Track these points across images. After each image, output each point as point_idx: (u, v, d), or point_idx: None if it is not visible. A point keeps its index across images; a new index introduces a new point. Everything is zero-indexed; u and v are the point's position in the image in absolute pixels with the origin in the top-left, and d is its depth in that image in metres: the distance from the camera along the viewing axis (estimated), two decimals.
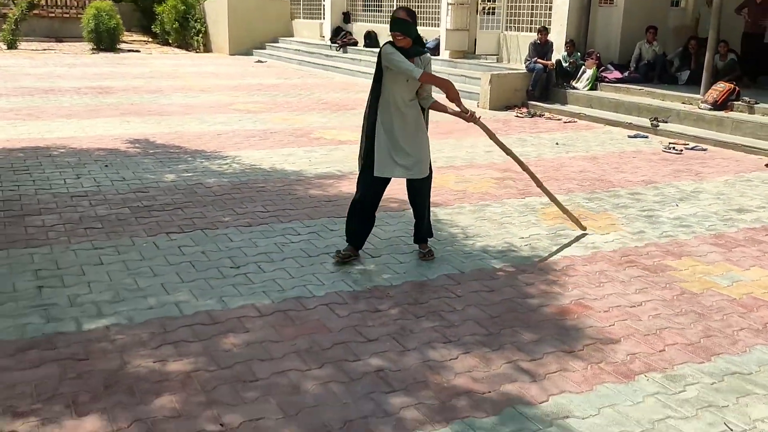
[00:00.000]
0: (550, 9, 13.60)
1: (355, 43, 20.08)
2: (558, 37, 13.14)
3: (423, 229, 4.82)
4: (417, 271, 4.61)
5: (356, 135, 7.97)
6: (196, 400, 2.97)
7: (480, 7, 15.14)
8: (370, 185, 4.59)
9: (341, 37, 20.62)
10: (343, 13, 21.36)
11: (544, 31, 12.83)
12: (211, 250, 4.85)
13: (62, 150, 7.89)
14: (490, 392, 3.13)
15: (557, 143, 9.43)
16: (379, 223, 5.22)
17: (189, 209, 5.82)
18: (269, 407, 2.94)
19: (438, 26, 16.76)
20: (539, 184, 5.32)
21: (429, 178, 4.70)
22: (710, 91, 10.44)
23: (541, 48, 12.79)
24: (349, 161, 7.79)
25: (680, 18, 14.38)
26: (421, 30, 16.88)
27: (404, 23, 4.26)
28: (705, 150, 9.18)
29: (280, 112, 11.42)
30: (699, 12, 13.70)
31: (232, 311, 3.89)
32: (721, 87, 10.38)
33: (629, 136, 10.10)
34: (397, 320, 3.85)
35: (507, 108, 12.53)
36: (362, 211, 4.67)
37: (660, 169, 8.00)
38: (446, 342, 3.61)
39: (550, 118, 11.67)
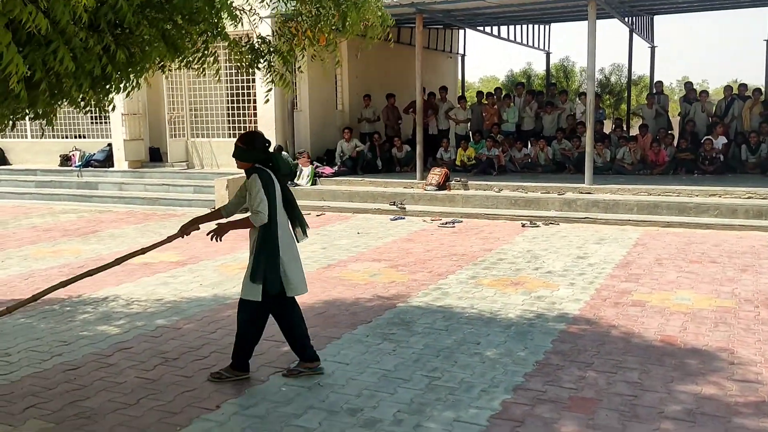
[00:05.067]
0: (255, 115, 14.45)
1: None
2: None
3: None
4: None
5: (157, 255, 8.06)
6: None
7: (168, 117, 15.03)
8: None
9: None
10: None
11: None
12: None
13: None
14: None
15: (358, 233, 10.38)
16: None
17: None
18: None
19: (108, 137, 15.97)
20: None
21: (242, 303, 4.57)
22: (431, 175, 12.76)
23: None
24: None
25: (342, 118, 16.79)
26: (86, 143, 16.02)
27: (237, 150, 4.50)
28: (461, 221, 11.31)
29: (27, 247, 9.68)
30: (362, 114, 16.23)
31: None
32: (438, 171, 12.81)
33: (392, 219, 11.65)
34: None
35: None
36: None
37: (468, 239, 9.69)
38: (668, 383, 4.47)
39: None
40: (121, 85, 3.94)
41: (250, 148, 4.50)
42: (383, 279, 7.38)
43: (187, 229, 4.68)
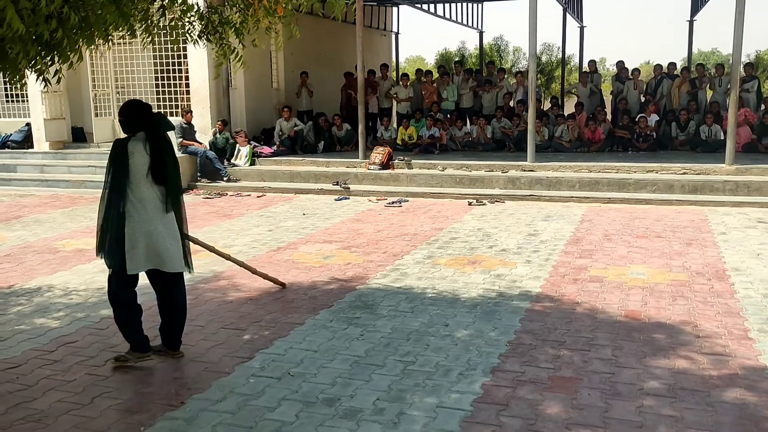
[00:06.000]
0: (188, 92, 13.81)
1: None
2: (201, 119, 13.50)
3: None
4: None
5: (90, 241, 7.69)
6: None
7: (92, 94, 14.22)
8: None
9: None
10: None
11: (191, 113, 13.10)
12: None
13: None
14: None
15: (304, 214, 10.10)
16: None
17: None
18: None
19: (26, 116, 15.01)
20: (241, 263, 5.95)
21: None
22: (374, 154, 12.55)
23: (190, 130, 13.03)
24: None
25: (278, 96, 16.34)
26: (0, 123, 15.00)
27: (120, 123, 4.45)
28: (408, 201, 11.17)
29: None
30: (300, 92, 15.80)
31: None
32: (382, 150, 12.60)
33: (336, 199, 11.41)
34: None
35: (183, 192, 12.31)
36: None
37: (417, 219, 9.56)
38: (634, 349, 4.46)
39: (238, 195, 12.04)
40: (69, 54, 3.55)
41: (128, 118, 4.37)
42: (338, 261, 7.15)
43: None
